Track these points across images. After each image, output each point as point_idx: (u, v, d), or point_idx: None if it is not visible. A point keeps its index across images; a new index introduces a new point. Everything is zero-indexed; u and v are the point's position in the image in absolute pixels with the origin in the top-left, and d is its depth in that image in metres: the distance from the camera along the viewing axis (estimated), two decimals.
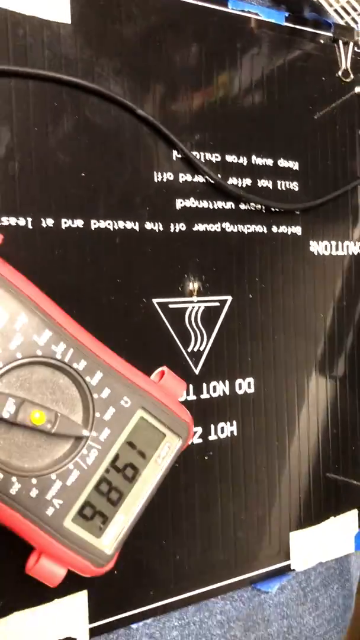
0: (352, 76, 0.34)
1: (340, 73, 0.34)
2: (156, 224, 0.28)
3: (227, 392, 0.30)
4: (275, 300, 0.32)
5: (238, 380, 0.30)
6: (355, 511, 0.35)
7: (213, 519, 0.30)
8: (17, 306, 0.21)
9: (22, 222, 0.25)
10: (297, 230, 0.32)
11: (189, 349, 0.29)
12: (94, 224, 0.26)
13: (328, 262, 0.34)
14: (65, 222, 0.26)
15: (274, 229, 0.32)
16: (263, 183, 0.31)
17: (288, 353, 0.32)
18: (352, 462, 0.35)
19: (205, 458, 0.30)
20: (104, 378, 0.22)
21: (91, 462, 0.22)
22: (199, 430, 0.29)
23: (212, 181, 0.29)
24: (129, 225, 0.27)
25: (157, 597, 0.28)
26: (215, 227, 0.30)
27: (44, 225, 0.25)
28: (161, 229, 0.28)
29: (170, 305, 0.28)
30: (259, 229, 0.31)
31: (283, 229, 0.32)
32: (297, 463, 0.33)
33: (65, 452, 0.22)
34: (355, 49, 0.34)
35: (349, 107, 0.34)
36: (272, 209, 0.31)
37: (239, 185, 0.30)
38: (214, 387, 0.30)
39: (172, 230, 0.28)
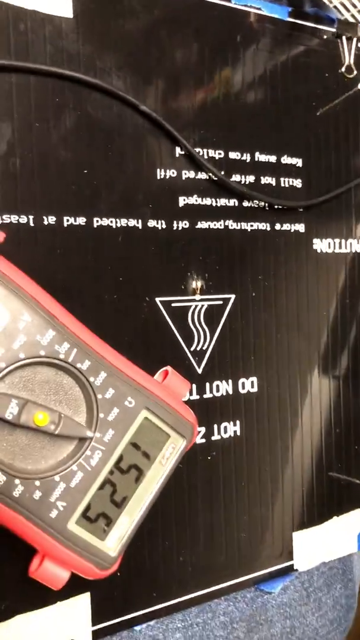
0: (355, 72, 0.34)
1: (343, 69, 0.33)
2: (159, 221, 0.28)
3: (231, 392, 0.30)
4: (278, 299, 0.31)
5: (241, 380, 0.30)
6: (358, 511, 0.35)
7: (216, 519, 0.30)
8: (19, 305, 0.21)
9: (23, 219, 0.24)
10: (301, 227, 0.32)
11: (192, 348, 0.29)
12: (96, 222, 0.26)
13: (331, 260, 0.33)
14: (67, 220, 0.25)
15: (277, 226, 0.31)
16: (266, 180, 0.31)
17: (291, 352, 0.32)
18: (355, 462, 0.34)
19: (209, 458, 0.29)
20: (108, 378, 0.22)
21: (95, 463, 0.22)
22: (202, 430, 0.29)
23: (215, 178, 0.29)
24: (132, 223, 0.27)
25: (160, 599, 0.28)
26: (218, 225, 0.29)
27: (45, 223, 0.25)
28: (164, 226, 0.28)
29: (173, 304, 0.28)
30: (262, 226, 0.31)
31: (286, 226, 0.32)
32: (300, 463, 0.32)
33: (69, 453, 0.22)
34: (359, 44, 0.34)
35: (353, 103, 0.34)
36: (276, 207, 0.31)
37: (242, 182, 0.30)
38: (217, 387, 0.30)
39: (175, 228, 0.28)
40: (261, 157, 0.31)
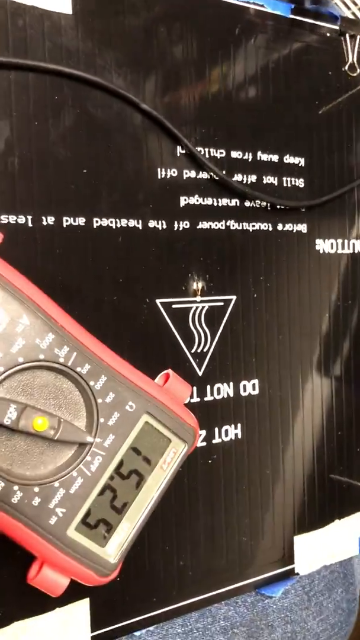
0: (358, 70, 0.33)
1: (346, 67, 0.33)
2: (160, 222, 0.27)
3: (232, 394, 0.30)
4: (280, 300, 0.31)
5: (243, 382, 0.30)
6: (359, 513, 0.34)
7: (217, 523, 0.29)
8: (18, 308, 0.20)
9: (22, 220, 0.24)
10: (303, 228, 0.32)
11: (193, 350, 0.28)
12: (96, 222, 0.26)
13: (334, 260, 0.33)
14: (67, 220, 0.25)
15: (279, 226, 0.31)
16: (268, 180, 0.30)
17: (293, 354, 0.31)
18: (357, 464, 0.34)
19: (209, 461, 0.29)
20: (108, 382, 0.22)
21: (95, 469, 0.22)
22: (203, 433, 0.29)
23: (217, 178, 0.29)
24: (132, 223, 0.26)
25: (159, 604, 0.28)
26: (219, 225, 0.29)
27: (44, 223, 0.24)
28: (165, 227, 0.27)
29: (174, 305, 0.28)
30: (264, 226, 0.30)
31: (288, 226, 0.31)
32: (301, 465, 0.32)
33: (68, 459, 0.21)
34: None
35: (356, 101, 0.33)
36: (278, 207, 0.31)
37: (244, 181, 0.30)
38: (218, 389, 0.29)
39: (175, 228, 0.28)
40: (263, 157, 0.30)
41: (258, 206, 0.30)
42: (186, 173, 0.28)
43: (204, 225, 0.29)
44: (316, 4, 0.33)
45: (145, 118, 0.27)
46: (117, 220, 0.26)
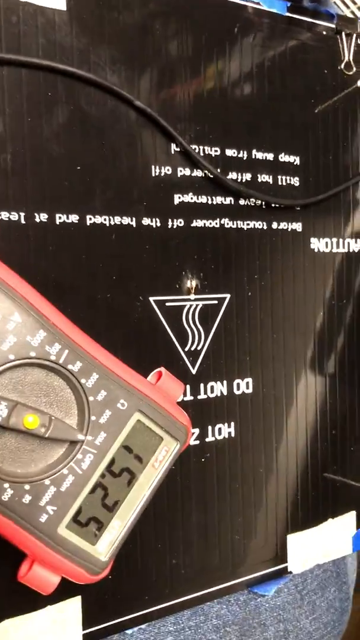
0: (354, 69, 0.33)
1: (342, 66, 0.33)
2: (153, 219, 0.27)
3: (225, 393, 0.29)
4: (274, 299, 0.31)
5: (236, 381, 0.30)
6: (353, 512, 0.34)
7: (209, 521, 0.29)
8: (9, 305, 0.20)
9: (14, 217, 0.24)
10: (298, 226, 0.32)
11: (186, 349, 0.28)
12: (90, 220, 0.25)
13: (329, 259, 0.33)
14: (60, 217, 0.25)
15: (274, 225, 0.31)
16: (263, 178, 0.30)
17: (287, 352, 0.31)
18: (351, 463, 0.34)
19: (202, 460, 0.29)
20: (100, 380, 0.22)
21: (86, 466, 0.21)
22: (196, 431, 0.29)
23: (212, 176, 0.29)
24: (126, 220, 0.26)
25: (152, 602, 0.28)
26: (214, 223, 0.29)
27: (37, 220, 0.24)
28: (159, 224, 0.27)
29: (168, 304, 0.28)
30: (259, 225, 0.30)
31: (283, 225, 0.31)
32: (295, 464, 0.32)
33: (59, 456, 0.21)
34: (359, 41, 0.33)
35: (351, 100, 0.33)
36: (273, 205, 0.31)
37: (239, 180, 0.30)
38: (212, 388, 0.29)
39: (169, 226, 0.28)
40: (258, 155, 0.30)
41: (253, 204, 0.30)
42: (180, 171, 0.28)
43: (198, 223, 0.28)
44: (314, 2, 0.33)
45: (140, 115, 0.26)
46: (111, 217, 0.26)
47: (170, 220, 0.28)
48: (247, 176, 0.30)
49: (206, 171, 0.28)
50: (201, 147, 0.28)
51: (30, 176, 0.24)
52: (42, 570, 0.21)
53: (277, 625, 0.32)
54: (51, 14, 0.24)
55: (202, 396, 0.29)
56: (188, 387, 0.28)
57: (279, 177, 0.31)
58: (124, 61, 0.26)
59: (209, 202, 0.29)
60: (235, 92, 0.29)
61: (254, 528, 0.31)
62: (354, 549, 0.35)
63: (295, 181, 0.32)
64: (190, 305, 0.28)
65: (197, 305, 0.28)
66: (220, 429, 0.29)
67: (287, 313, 0.31)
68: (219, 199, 0.29)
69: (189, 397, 0.28)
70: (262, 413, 0.31)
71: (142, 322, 0.27)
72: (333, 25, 0.33)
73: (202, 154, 0.28)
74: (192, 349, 0.28)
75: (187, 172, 0.28)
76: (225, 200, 0.29)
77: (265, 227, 0.31)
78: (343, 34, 0.33)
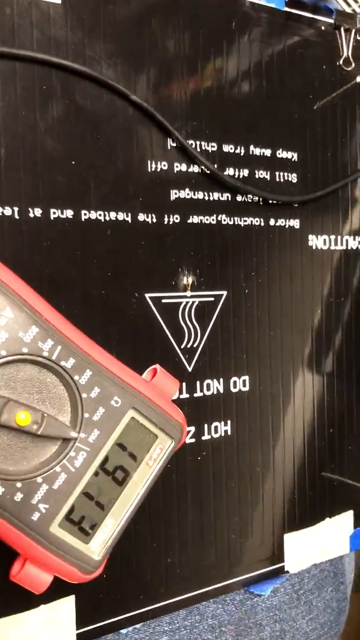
0: (353, 65, 0.33)
1: (341, 61, 0.33)
2: (149, 215, 0.27)
3: (222, 390, 0.29)
4: (271, 296, 0.31)
5: (233, 378, 0.30)
6: (350, 512, 0.34)
7: (205, 520, 0.29)
8: (1, 301, 0.20)
9: (8, 211, 0.24)
10: (295, 223, 0.31)
11: (183, 346, 0.28)
12: (84, 215, 0.25)
13: (327, 256, 0.33)
14: (54, 213, 0.25)
15: (272, 221, 0.31)
16: (261, 174, 0.30)
17: (285, 350, 0.31)
18: (348, 462, 0.34)
19: (198, 458, 0.29)
20: (94, 377, 0.21)
21: (79, 464, 0.21)
22: (192, 429, 0.28)
23: (208, 171, 0.28)
24: (121, 216, 0.26)
25: (147, 601, 0.27)
26: (210, 220, 0.29)
27: (31, 215, 0.24)
28: (154, 220, 0.27)
29: (164, 300, 0.27)
30: (256, 221, 0.30)
31: (281, 221, 0.31)
32: (292, 463, 0.32)
33: (52, 454, 0.21)
34: (357, 36, 0.33)
35: (350, 96, 0.33)
36: (270, 201, 0.30)
37: (236, 176, 0.29)
38: (208, 385, 0.29)
39: (166, 222, 0.27)
40: (256, 151, 0.30)
41: (250, 201, 0.30)
42: (177, 166, 0.28)
43: (194, 219, 0.28)
44: None
45: (136, 110, 0.26)
46: (106, 213, 0.26)
47: (166, 216, 0.27)
48: (245, 172, 0.30)
49: (203, 167, 0.28)
50: (198, 143, 0.28)
51: (24, 171, 0.24)
52: (35, 569, 0.21)
53: (273, 625, 0.32)
54: (46, 6, 0.24)
55: (198, 394, 0.29)
56: (184, 384, 0.28)
57: (277, 173, 0.31)
58: (119, 55, 0.26)
59: (206, 198, 0.28)
60: (233, 87, 0.29)
61: (250, 527, 0.30)
62: (351, 548, 0.34)
63: (293, 178, 0.31)
64: (187, 302, 0.28)
65: (193, 302, 0.28)
66: (216, 427, 0.29)
67: (284, 310, 0.31)
68: (215, 195, 0.29)
69: (185, 395, 0.28)
70: (259, 411, 0.30)
71: (138, 319, 0.27)
72: (332, 21, 0.32)
73: (199, 149, 0.28)
74: (188, 346, 0.28)
75: (183, 167, 0.28)
76: (222, 196, 0.29)
77: (262, 224, 0.30)
78: (342, 29, 0.32)
